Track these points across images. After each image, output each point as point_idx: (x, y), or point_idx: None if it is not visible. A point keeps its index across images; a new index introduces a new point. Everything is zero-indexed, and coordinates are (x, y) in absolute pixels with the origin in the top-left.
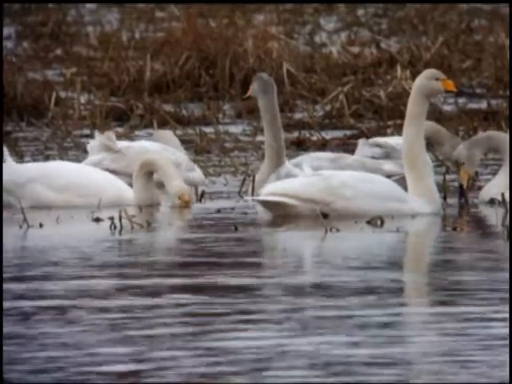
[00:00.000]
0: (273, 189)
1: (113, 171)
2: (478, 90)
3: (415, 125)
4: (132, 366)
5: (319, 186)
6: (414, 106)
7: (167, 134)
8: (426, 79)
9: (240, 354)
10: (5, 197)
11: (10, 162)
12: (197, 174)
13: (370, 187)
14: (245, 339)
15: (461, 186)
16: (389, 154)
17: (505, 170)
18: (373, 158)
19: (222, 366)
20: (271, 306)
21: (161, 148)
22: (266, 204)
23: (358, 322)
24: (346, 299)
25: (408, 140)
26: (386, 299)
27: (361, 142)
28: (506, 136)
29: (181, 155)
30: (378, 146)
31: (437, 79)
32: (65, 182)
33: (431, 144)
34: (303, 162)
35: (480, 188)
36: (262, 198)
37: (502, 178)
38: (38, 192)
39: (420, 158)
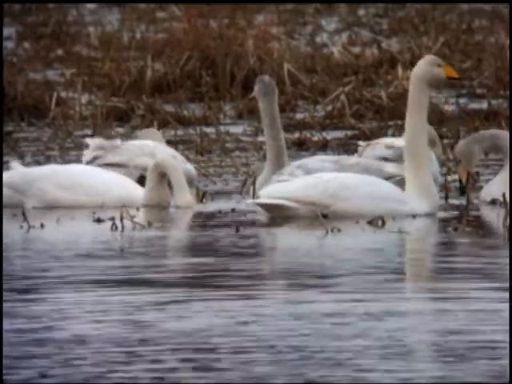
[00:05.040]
0: (272, 191)
1: (116, 165)
2: (479, 90)
3: (417, 115)
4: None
5: (318, 188)
6: (415, 95)
7: (153, 132)
8: (428, 65)
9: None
10: (15, 196)
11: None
12: (190, 167)
13: (369, 189)
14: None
15: (460, 182)
16: (399, 155)
17: (506, 169)
18: (385, 159)
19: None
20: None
21: (154, 144)
22: (266, 206)
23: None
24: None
25: (410, 130)
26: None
27: (366, 144)
28: (507, 134)
29: (174, 150)
30: (390, 147)
31: (439, 65)
32: (73, 182)
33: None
34: (306, 165)
35: (481, 188)
36: (261, 200)
37: (503, 177)
38: (46, 191)
39: (420, 148)
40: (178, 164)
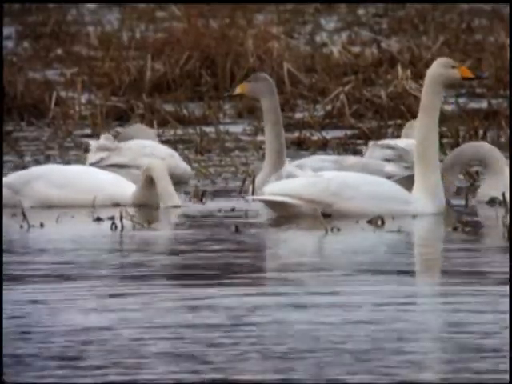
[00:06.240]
0: (275, 188)
1: (120, 165)
2: (479, 90)
3: (430, 116)
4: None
5: (321, 186)
6: (429, 97)
7: (142, 128)
8: (443, 67)
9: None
10: (11, 196)
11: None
12: (187, 166)
13: (372, 188)
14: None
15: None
16: (401, 156)
17: (489, 177)
18: (386, 160)
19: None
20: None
21: (153, 144)
22: (269, 203)
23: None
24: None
25: (422, 131)
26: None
27: (371, 143)
28: (490, 147)
29: (171, 150)
30: (390, 148)
31: (453, 67)
32: (66, 180)
33: None
34: (306, 164)
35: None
36: (264, 197)
37: (493, 180)
38: (39, 190)
39: (431, 149)
40: (165, 168)
